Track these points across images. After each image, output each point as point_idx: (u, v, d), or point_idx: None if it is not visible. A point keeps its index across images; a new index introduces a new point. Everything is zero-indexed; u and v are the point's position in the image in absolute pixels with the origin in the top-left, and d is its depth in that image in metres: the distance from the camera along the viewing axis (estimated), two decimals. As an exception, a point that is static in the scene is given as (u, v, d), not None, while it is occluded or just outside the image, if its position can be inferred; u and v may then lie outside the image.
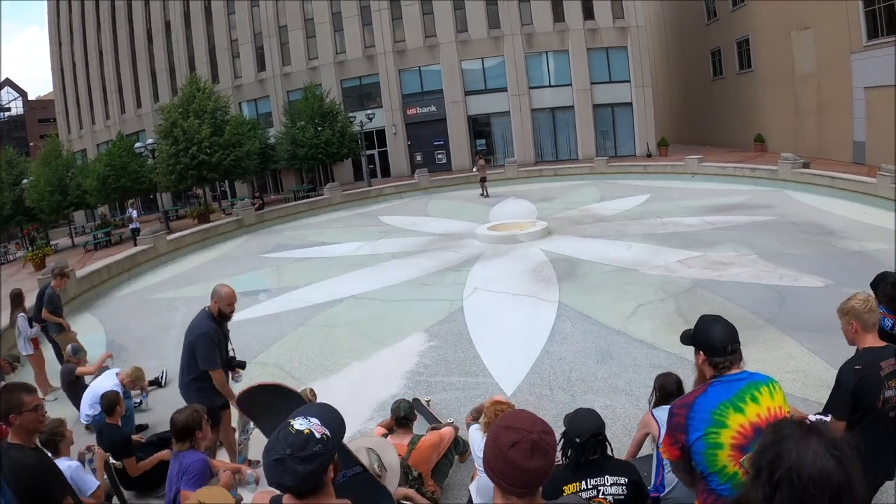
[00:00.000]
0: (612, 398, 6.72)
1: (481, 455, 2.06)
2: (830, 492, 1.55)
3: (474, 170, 28.78)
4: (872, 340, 3.54)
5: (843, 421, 3.42)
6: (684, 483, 3.09)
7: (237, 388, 6.58)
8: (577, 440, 3.45)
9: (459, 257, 14.58)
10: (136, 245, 21.71)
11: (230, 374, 6.11)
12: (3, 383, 5.76)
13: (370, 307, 11.24)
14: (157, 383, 8.51)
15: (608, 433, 5.79)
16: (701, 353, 2.96)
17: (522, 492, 1.82)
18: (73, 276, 14.17)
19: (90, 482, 4.85)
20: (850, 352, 3.72)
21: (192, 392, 5.72)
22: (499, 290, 11.40)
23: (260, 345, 9.64)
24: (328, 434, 1.99)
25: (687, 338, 3.14)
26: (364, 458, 3.11)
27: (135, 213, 31.01)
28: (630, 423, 6.12)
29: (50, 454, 4.30)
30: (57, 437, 4.90)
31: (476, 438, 4.47)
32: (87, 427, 6.79)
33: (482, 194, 26.84)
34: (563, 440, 3.56)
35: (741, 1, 35.92)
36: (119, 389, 6.53)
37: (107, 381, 6.79)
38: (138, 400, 7.89)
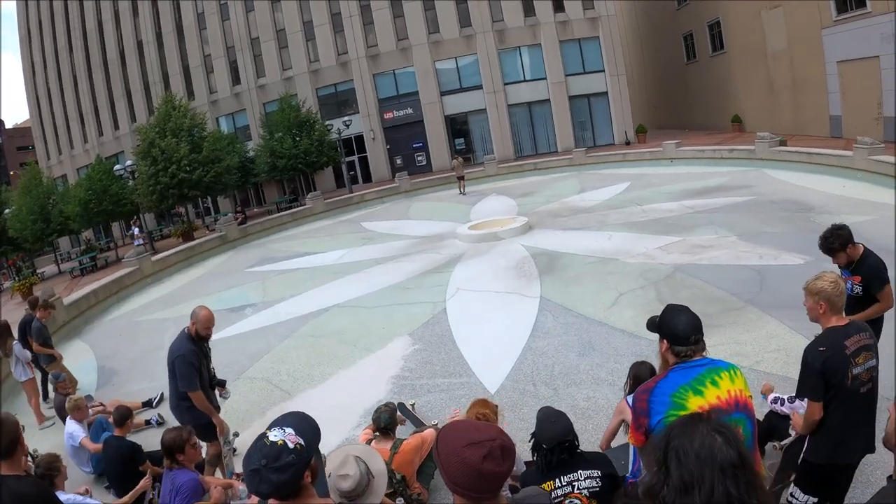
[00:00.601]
0: (595, 389, 6.76)
1: None
2: (719, 466, 1.56)
3: (459, 169, 29.04)
4: (837, 321, 3.55)
5: (818, 402, 3.46)
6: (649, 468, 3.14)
7: (228, 405, 6.70)
8: (545, 446, 3.48)
9: (441, 258, 14.64)
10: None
11: (218, 392, 6.21)
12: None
13: (355, 314, 11.27)
14: (149, 404, 8.52)
15: (591, 424, 5.95)
16: (665, 340, 3.03)
17: (494, 494, 1.90)
18: (61, 304, 14.22)
19: None
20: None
21: (182, 411, 5.80)
22: (481, 289, 11.45)
23: (248, 360, 9.65)
24: (302, 443, 2.11)
25: (652, 325, 3.21)
26: (352, 467, 3.17)
27: (137, 231, 31.33)
28: (613, 412, 6.18)
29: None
30: (53, 472, 4.98)
31: None
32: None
33: (460, 192, 27.35)
34: (532, 441, 3.61)
35: (710, -17, 36.16)
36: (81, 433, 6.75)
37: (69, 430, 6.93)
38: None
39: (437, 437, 1.98)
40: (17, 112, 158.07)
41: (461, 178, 27.80)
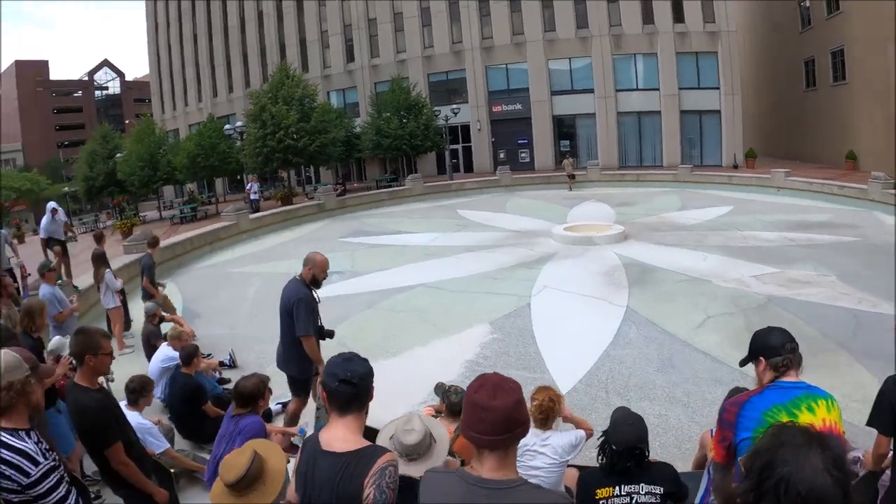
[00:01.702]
0: (668, 408, 6.71)
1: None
2: None
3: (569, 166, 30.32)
4: None
5: (888, 436, 3.39)
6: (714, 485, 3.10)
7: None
8: (615, 448, 3.44)
9: (533, 255, 14.67)
10: (257, 211, 24.04)
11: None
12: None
13: (438, 296, 11.48)
14: (223, 365, 8.66)
15: (658, 442, 5.91)
16: (761, 358, 2.95)
17: (492, 440, 1.93)
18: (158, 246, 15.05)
19: (159, 443, 5.24)
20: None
21: (290, 360, 5.89)
22: (568, 290, 11.46)
23: (326, 323, 9.79)
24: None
25: (745, 361, 3.15)
26: (418, 424, 3.25)
27: (255, 186, 32.51)
28: (682, 434, 6.12)
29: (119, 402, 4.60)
30: (142, 392, 5.31)
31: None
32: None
33: (569, 189, 28.72)
34: (602, 440, 3.59)
35: (837, 8, 34.33)
36: (172, 362, 7.02)
37: (165, 352, 7.28)
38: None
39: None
40: (137, 66, 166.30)
41: (572, 176, 29.08)
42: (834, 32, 34.74)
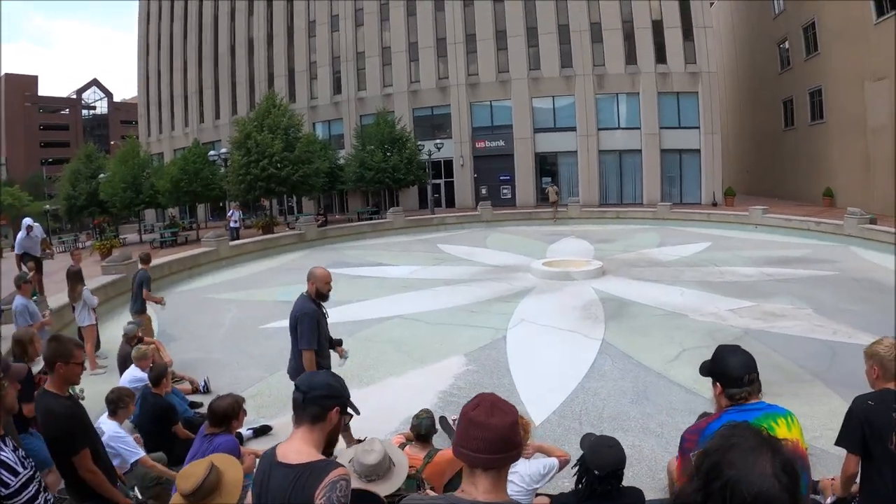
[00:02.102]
0: (642, 438, 6.64)
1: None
2: None
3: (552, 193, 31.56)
4: (893, 386, 3.48)
5: (856, 455, 3.40)
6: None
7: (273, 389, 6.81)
8: (597, 472, 3.40)
9: (511, 289, 14.63)
10: (237, 238, 24.18)
11: (338, 354, 6.54)
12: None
13: (415, 328, 11.41)
14: (197, 391, 8.57)
15: (631, 472, 5.87)
16: (718, 384, 2.93)
17: (487, 459, 1.88)
18: (136, 269, 14.97)
19: (134, 451, 5.23)
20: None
21: (300, 372, 5.73)
22: (544, 324, 11.39)
23: (304, 351, 9.90)
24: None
25: (704, 369, 3.12)
26: (378, 446, 3.23)
27: (237, 215, 32.47)
28: (656, 465, 6.06)
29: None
30: (120, 403, 5.36)
31: None
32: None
33: (554, 217, 30.09)
34: (579, 466, 3.55)
35: (815, 50, 35.20)
36: (140, 383, 6.95)
37: (132, 373, 7.24)
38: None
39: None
40: (125, 88, 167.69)
41: (555, 203, 30.16)
42: (812, 73, 35.65)
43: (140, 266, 10.99)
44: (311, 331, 5.77)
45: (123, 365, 8.07)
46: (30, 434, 4.98)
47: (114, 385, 7.54)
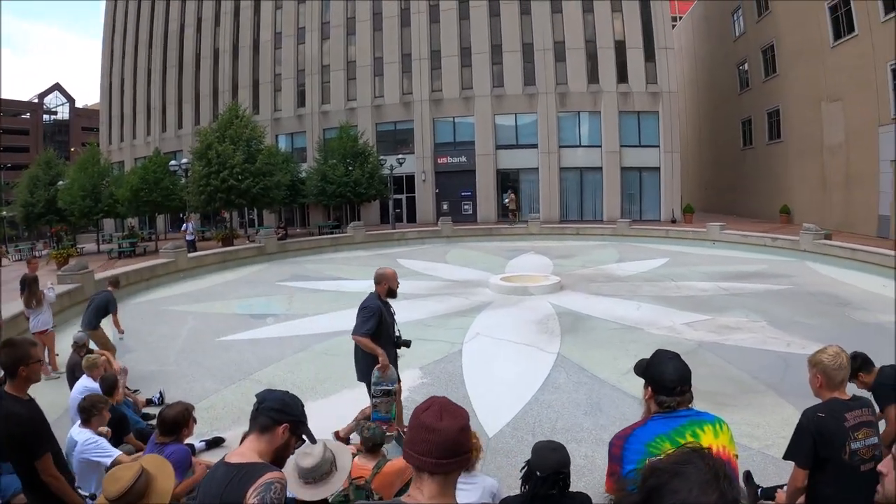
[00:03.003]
0: (595, 449, 6.61)
1: None
2: None
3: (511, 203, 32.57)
4: (839, 395, 3.48)
5: (805, 469, 3.36)
6: None
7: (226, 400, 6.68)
8: (538, 473, 3.37)
9: (468, 303, 14.60)
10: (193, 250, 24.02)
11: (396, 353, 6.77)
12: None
13: (372, 341, 11.30)
14: (151, 403, 8.45)
15: (583, 482, 5.82)
16: (649, 387, 2.90)
17: (434, 463, 1.82)
18: (92, 278, 15.10)
19: (109, 454, 5.13)
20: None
21: (364, 362, 6.51)
22: (500, 338, 11.36)
23: (258, 363, 9.85)
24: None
25: (639, 368, 3.10)
26: (318, 450, 3.18)
27: (191, 227, 32.19)
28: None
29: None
30: (94, 411, 5.28)
31: None
32: None
33: (512, 222, 30.96)
34: (525, 469, 3.53)
35: (774, 71, 36.23)
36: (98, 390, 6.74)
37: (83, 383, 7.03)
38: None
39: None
40: (88, 94, 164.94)
41: (514, 210, 31.06)
42: (770, 94, 36.63)
43: (108, 287, 10.70)
44: (364, 321, 6.18)
45: (72, 374, 7.87)
46: None
47: (64, 394, 7.55)
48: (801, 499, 3.60)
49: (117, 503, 2.98)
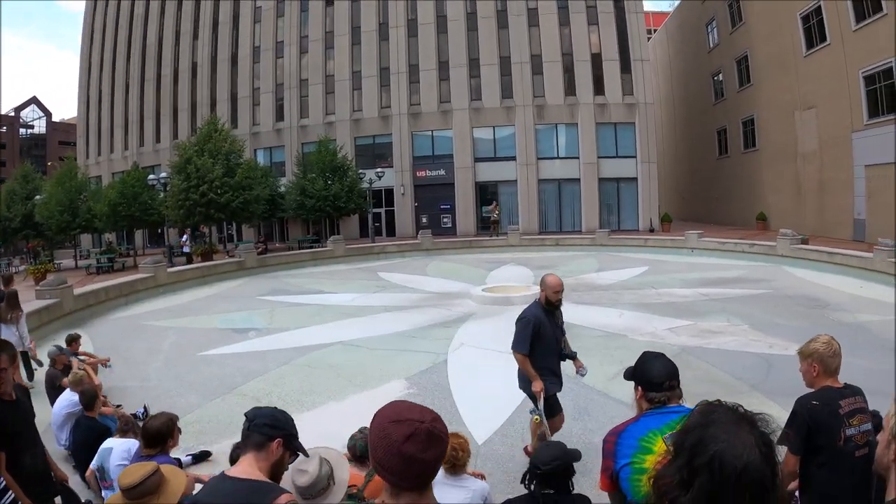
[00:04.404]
0: (585, 453, 6.49)
1: None
2: (753, 489, 1.42)
3: (494, 212, 33.53)
4: (832, 383, 3.52)
5: (797, 455, 3.41)
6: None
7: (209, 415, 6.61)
8: (539, 470, 3.39)
9: (451, 314, 14.60)
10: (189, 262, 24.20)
11: (575, 368, 6.48)
12: None
13: (356, 353, 11.25)
14: (136, 418, 8.40)
15: (576, 487, 5.80)
16: (639, 388, 2.97)
17: (417, 485, 1.73)
18: (70, 294, 14.96)
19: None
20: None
21: (519, 375, 6.22)
22: (485, 347, 11.36)
23: (242, 378, 9.73)
24: None
25: (628, 373, 3.17)
26: (314, 465, 3.14)
27: (187, 238, 31.96)
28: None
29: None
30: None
31: None
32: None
33: (493, 235, 31.48)
34: (528, 470, 3.54)
35: (748, 81, 36.87)
36: (76, 407, 6.73)
37: (68, 397, 6.98)
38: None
39: (370, 428, 1.77)
40: (65, 107, 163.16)
41: (495, 222, 31.82)
42: (745, 103, 37.28)
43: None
44: (522, 334, 5.86)
45: (52, 388, 7.83)
46: None
47: (45, 408, 7.41)
48: (794, 483, 3.65)
49: (129, 493, 3.07)
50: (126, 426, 5.51)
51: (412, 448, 1.65)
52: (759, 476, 1.42)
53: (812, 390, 3.62)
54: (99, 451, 5.42)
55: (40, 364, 9.76)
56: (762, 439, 1.48)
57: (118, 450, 5.21)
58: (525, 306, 14.28)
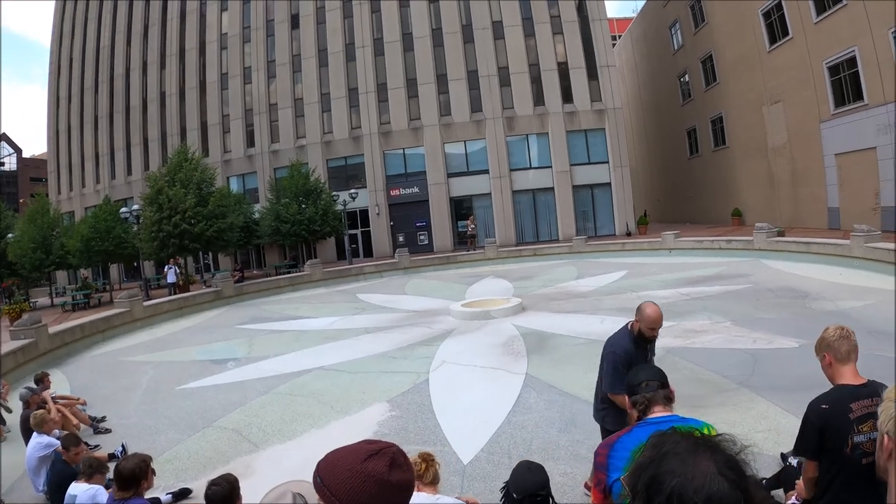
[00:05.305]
0: (573, 465, 6.53)
1: None
2: None
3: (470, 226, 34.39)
4: (851, 376, 3.31)
5: (815, 461, 3.28)
6: None
7: (192, 450, 6.42)
8: (515, 496, 3.29)
9: (431, 332, 14.45)
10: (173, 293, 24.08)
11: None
12: None
13: (336, 378, 11.06)
14: (114, 457, 8.14)
15: (566, 499, 5.70)
16: (627, 396, 3.00)
17: None
18: (46, 332, 14.66)
19: None
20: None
21: (603, 416, 5.55)
22: (466, 363, 11.22)
23: (221, 410, 9.50)
24: None
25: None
26: (288, 502, 2.97)
27: (174, 269, 31.49)
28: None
29: None
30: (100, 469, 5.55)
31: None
32: None
33: (470, 248, 32.49)
34: (504, 491, 3.45)
35: (714, 80, 37.38)
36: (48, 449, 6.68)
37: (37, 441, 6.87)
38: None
39: (316, 469, 1.58)
40: (35, 143, 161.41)
41: (473, 236, 33.21)
42: (712, 102, 37.77)
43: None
44: (615, 375, 5.07)
45: (27, 431, 7.63)
46: None
47: (19, 452, 7.40)
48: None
49: None
50: (91, 468, 5.34)
51: (398, 475, 1.51)
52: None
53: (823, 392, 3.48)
54: (65, 498, 5.25)
55: (9, 411, 9.48)
56: (727, 464, 1.30)
57: (82, 497, 5.03)
58: (504, 319, 14.32)
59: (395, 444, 1.58)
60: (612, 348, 5.25)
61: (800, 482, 3.80)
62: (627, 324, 5.31)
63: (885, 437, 2.01)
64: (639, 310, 5.13)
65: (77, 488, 5.21)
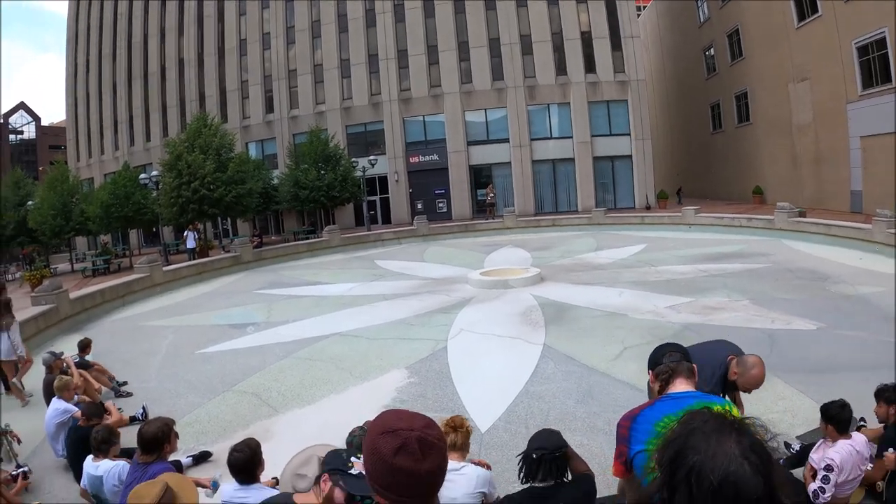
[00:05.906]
0: (590, 437, 6.57)
1: None
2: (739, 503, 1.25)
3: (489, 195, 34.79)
4: None
5: None
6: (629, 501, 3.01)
7: (213, 413, 6.47)
8: (534, 455, 3.38)
9: (450, 300, 14.46)
10: (192, 258, 24.57)
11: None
12: None
13: (355, 344, 11.13)
14: (135, 419, 8.12)
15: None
16: (650, 371, 3.04)
17: (420, 500, 1.59)
18: (67, 298, 14.71)
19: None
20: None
21: None
22: (485, 332, 11.25)
23: (241, 374, 9.58)
24: None
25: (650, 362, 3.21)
26: (313, 469, 3.01)
27: (193, 235, 31.48)
28: (605, 461, 5.95)
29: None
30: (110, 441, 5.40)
31: None
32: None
33: (489, 217, 32.70)
34: (521, 460, 3.52)
35: (740, 55, 36.68)
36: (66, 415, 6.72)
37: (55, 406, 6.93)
38: None
39: (362, 451, 1.65)
40: (54, 111, 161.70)
41: (492, 204, 33.08)
42: (737, 77, 37.06)
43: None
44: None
45: (48, 394, 7.70)
46: None
47: (41, 416, 7.35)
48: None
49: None
50: (105, 444, 5.29)
51: (404, 460, 1.52)
52: (746, 490, 1.24)
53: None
54: (85, 474, 5.28)
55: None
56: (752, 447, 1.31)
57: (108, 477, 5.04)
58: (523, 289, 14.32)
59: (420, 430, 1.57)
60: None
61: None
62: (720, 367, 4.27)
63: None
64: (743, 363, 4.14)
65: (102, 467, 5.18)
